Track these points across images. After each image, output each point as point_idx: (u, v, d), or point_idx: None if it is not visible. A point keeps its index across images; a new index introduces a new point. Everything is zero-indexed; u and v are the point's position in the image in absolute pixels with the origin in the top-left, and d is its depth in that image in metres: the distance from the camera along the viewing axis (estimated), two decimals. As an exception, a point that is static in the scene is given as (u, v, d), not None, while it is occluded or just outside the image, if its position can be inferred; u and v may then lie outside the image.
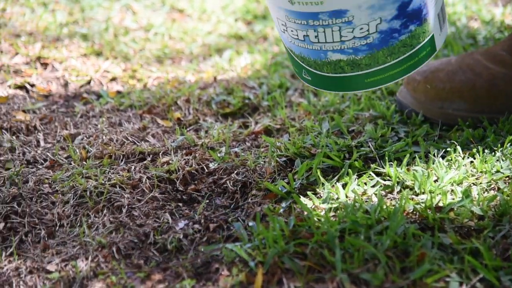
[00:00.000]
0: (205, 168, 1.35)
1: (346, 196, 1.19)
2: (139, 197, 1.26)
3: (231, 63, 1.92)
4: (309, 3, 1.06)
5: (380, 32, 1.09)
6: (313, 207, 1.17)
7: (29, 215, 1.21)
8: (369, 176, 1.25)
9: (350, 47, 1.11)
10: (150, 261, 1.10)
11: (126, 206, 1.23)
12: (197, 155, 1.39)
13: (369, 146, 1.36)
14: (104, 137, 1.47)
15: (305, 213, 1.15)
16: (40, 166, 1.38)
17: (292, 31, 1.13)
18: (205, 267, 1.07)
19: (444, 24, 1.17)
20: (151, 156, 1.41)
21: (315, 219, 1.12)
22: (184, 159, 1.38)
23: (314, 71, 1.18)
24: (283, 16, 1.12)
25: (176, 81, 1.79)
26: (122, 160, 1.40)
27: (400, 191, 1.21)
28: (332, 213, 1.15)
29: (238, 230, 1.14)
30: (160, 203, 1.25)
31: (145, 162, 1.38)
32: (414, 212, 1.13)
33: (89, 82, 1.80)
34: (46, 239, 1.16)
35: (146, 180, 1.30)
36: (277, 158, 1.35)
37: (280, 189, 1.24)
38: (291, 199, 1.20)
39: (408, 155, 1.29)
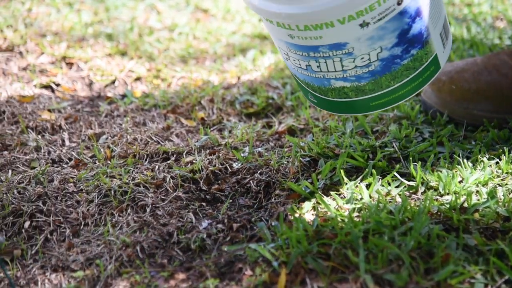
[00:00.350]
0: (229, 168, 1.35)
1: (370, 197, 1.19)
2: (162, 197, 1.27)
3: (255, 63, 1.92)
4: (308, 37, 1.06)
5: (381, 60, 1.08)
6: (336, 207, 1.17)
7: (54, 214, 1.22)
8: (393, 177, 1.24)
9: (352, 75, 1.11)
10: (174, 261, 1.10)
11: (150, 206, 1.24)
12: (220, 155, 1.39)
13: (393, 147, 1.35)
14: (128, 137, 1.48)
15: (329, 213, 1.15)
16: (65, 165, 1.38)
17: (294, 60, 1.13)
18: (228, 267, 1.08)
19: (448, 40, 1.15)
20: (175, 155, 1.41)
21: (339, 219, 1.12)
22: (208, 159, 1.38)
23: (319, 95, 1.18)
24: (284, 47, 1.12)
25: (200, 81, 1.80)
26: (146, 160, 1.40)
27: (425, 191, 1.20)
28: (355, 214, 1.15)
29: (261, 230, 1.14)
30: (184, 202, 1.26)
31: (169, 161, 1.38)
32: (439, 213, 1.13)
33: (113, 82, 1.81)
34: (71, 237, 1.17)
35: (170, 179, 1.31)
36: (301, 158, 1.34)
37: (303, 189, 1.23)
38: (314, 199, 1.20)
39: (432, 156, 1.28)
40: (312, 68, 1.11)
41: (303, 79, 1.17)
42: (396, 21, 1.04)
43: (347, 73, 1.10)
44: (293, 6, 1.02)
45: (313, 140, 1.42)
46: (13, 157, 1.41)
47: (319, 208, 1.18)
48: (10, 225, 1.19)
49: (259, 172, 1.32)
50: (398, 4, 1.03)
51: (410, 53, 1.09)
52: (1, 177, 1.33)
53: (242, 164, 1.35)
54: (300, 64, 1.13)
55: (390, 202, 1.17)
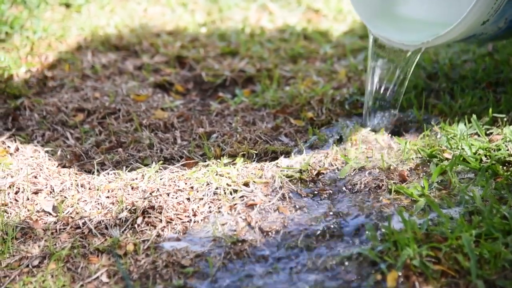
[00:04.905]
0: (337, 168, 1.35)
1: (483, 200, 1.16)
2: (270, 195, 1.28)
3: (366, 64, 1.90)
4: None
5: None
6: (447, 210, 1.15)
7: (165, 210, 1.25)
8: (507, 180, 1.20)
9: None
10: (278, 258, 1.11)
11: (258, 204, 1.25)
12: (329, 155, 1.39)
13: (507, 149, 1.31)
14: (238, 136, 1.50)
15: (439, 216, 1.12)
16: (177, 163, 1.42)
17: None
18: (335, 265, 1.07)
19: None
20: (283, 155, 1.42)
21: (449, 222, 1.10)
22: (316, 159, 1.38)
23: None
24: None
25: (310, 81, 1.80)
26: (255, 159, 1.41)
27: (541, 196, 1.16)
28: (467, 217, 1.12)
29: (370, 231, 1.13)
30: (291, 201, 1.26)
31: (277, 160, 1.39)
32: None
33: (224, 81, 1.83)
34: (181, 234, 1.20)
35: (278, 179, 1.32)
36: (411, 160, 1.32)
37: (413, 191, 1.22)
38: (424, 202, 1.18)
39: (550, 160, 1.24)
40: None
41: None
42: None
43: None
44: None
45: (424, 141, 1.39)
46: (127, 154, 1.45)
47: (429, 211, 1.15)
48: (124, 220, 1.23)
49: (367, 172, 1.31)
50: None
51: None
52: (116, 174, 1.37)
53: (350, 165, 1.34)
54: None
55: (503, 206, 1.14)
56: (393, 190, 1.25)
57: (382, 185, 1.27)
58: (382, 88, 1.52)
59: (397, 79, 1.48)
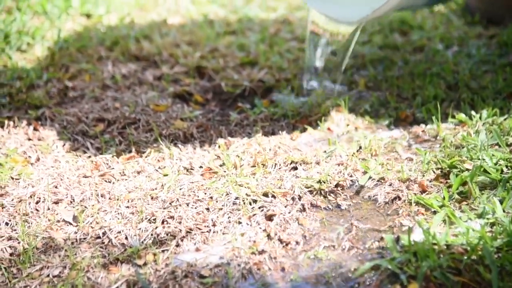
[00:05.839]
0: (356, 179, 1.35)
1: (504, 211, 1.15)
2: (289, 206, 1.28)
3: (386, 74, 1.90)
4: None
5: None
6: (467, 221, 1.14)
7: (185, 220, 1.25)
8: (528, 192, 1.20)
9: None
10: (300, 270, 1.11)
11: (277, 215, 1.25)
12: (348, 166, 1.38)
13: (529, 160, 1.30)
14: (257, 146, 1.50)
15: (459, 228, 1.12)
16: (196, 173, 1.42)
17: None
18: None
19: None
20: (302, 165, 1.42)
21: (470, 234, 1.09)
22: (335, 170, 1.38)
23: None
24: None
25: (324, 89, 1.80)
26: (274, 169, 1.41)
27: (562, 208, 1.15)
28: (488, 229, 1.11)
29: (389, 242, 1.13)
30: (311, 212, 1.26)
31: (296, 171, 1.39)
32: None
33: (244, 91, 1.84)
34: (201, 244, 1.20)
35: (297, 189, 1.32)
36: (431, 171, 1.32)
37: (433, 202, 1.21)
38: (444, 213, 1.18)
39: None
40: None
41: None
42: None
43: None
44: None
45: (443, 152, 1.39)
46: (147, 164, 1.45)
47: (449, 222, 1.15)
48: (143, 230, 1.23)
49: (387, 183, 1.31)
50: None
51: None
52: (136, 183, 1.38)
53: (369, 175, 1.34)
54: None
55: (525, 218, 1.13)
56: (413, 201, 1.24)
57: (402, 196, 1.27)
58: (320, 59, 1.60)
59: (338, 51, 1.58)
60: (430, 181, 1.30)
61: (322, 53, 1.66)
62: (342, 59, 1.59)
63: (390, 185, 1.31)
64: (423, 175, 1.32)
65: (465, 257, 1.03)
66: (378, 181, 1.33)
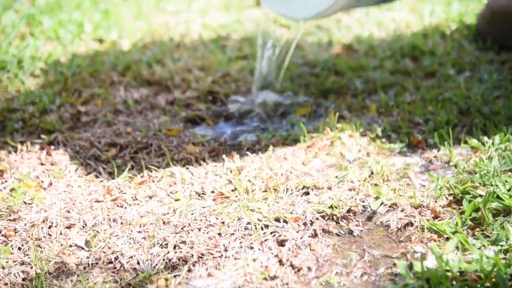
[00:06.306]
0: (368, 205, 1.34)
1: (517, 238, 1.14)
2: (301, 231, 1.28)
3: (397, 99, 1.90)
4: None
5: None
6: (481, 248, 1.14)
7: (197, 245, 1.25)
8: (542, 218, 1.19)
9: None
10: (313, 296, 1.11)
11: (289, 240, 1.24)
12: (360, 191, 1.38)
13: (542, 186, 1.30)
14: (268, 171, 1.50)
15: (473, 254, 1.11)
16: (208, 198, 1.42)
17: None
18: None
19: None
20: (314, 190, 1.42)
21: (484, 261, 1.08)
22: (347, 195, 1.38)
23: None
24: None
25: (341, 116, 1.80)
26: (286, 194, 1.41)
27: None
28: (501, 255, 1.11)
29: (402, 269, 1.12)
30: (323, 238, 1.26)
31: (308, 196, 1.39)
32: None
33: (256, 116, 1.84)
34: (213, 269, 1.20)
35: (309, 214, 1.31)
36: (443, 197, 1.32)
37: (446, 228, 1.21)
38: (457, 239, 1.17)
39: None
40: None
41: None
42: None
43: None
44: None
45: (456, 178, 1.39)
46: (159, 189, 1.46)
47: (462, 249, 1.14)
48: (155, 255, 1.23)
49: (399, 209, 1.30)
50: None
51: None
52: (148, 208, 1.38)
53: (381, 200, 1.34)
54: None
55: (538, 244, 1.13)
56: (425, 227, 1.24)
57: (415, 222, 1.27)
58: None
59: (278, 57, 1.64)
60: (442, 207, 1.30)
61: (271, 59, 1.73)
62: (282, 61, 1.65)
63: (402, 211, 1.30)
64: (436, 201, 1.31)
65: (479, 285, 1.03)
66: (390, 206, 1.32)
